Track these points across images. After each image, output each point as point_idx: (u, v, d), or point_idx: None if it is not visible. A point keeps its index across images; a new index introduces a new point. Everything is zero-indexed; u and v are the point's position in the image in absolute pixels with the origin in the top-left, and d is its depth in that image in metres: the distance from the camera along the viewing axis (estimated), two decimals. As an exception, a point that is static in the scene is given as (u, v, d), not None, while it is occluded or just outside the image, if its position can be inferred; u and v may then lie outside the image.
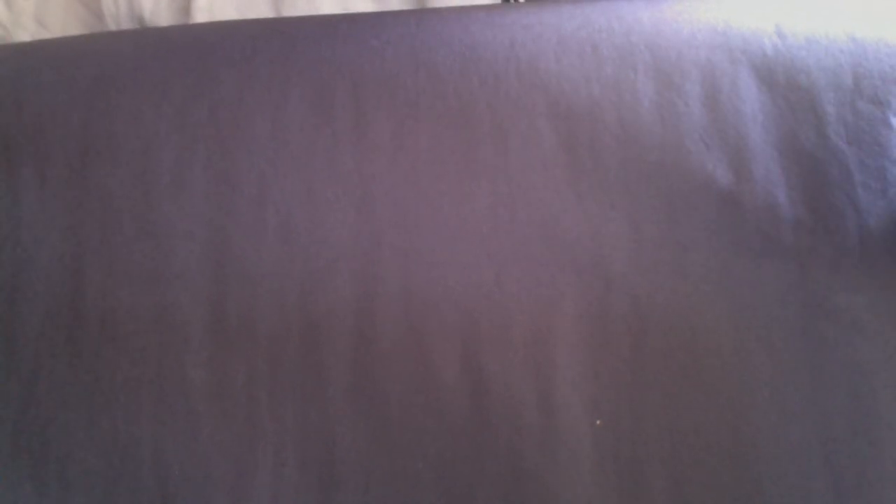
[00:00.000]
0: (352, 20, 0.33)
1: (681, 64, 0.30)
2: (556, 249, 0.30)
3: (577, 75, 0.30)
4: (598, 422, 0.29)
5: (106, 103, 0.33)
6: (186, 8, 0.38)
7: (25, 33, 0.38)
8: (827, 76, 0.31)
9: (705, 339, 0.29)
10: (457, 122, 0.30)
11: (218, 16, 0.38)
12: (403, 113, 0.31)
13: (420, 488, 0.29)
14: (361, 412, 0.30)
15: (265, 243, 0.30)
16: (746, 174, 0.30)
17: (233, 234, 0.31)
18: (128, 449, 0.30)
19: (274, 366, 0.30)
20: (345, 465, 0.29)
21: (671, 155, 0.30)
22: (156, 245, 0.31)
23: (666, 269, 0.29)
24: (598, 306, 0.29)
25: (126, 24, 0.39)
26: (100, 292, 0.31)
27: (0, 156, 0.33)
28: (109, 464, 0.29)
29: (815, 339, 0.30)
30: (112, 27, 0.39)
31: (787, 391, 0.30)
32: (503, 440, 0.30)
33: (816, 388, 0.30)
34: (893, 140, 0.31)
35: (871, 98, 0.31)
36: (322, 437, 0.30)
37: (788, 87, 0.31)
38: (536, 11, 0.32)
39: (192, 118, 0.32)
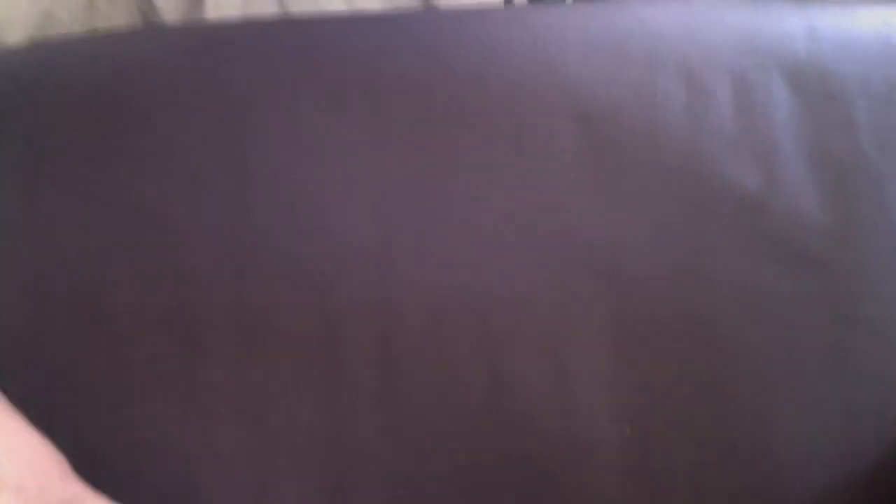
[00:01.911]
0: (366, 20, 0.33)
1: (711, 69, 0.30)
2: (574, 253, 0.29)
3: (602, 77, 0.30)
4: (627, 430, 0.28)
5: (123, 102, 0.33)
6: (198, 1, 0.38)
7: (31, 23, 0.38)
8: (859, 83, 0.30)
9: (727, 346, 0.29)
10: (473, 122, 0.30)
11: (225, 9, 0.37)
12: (418, 113, 0.30)
13: (440, 491, 0.29)
14: (382, 413, 0.30)
15: (282, 242, 0.30)
16: (775, 181, 0.30)
17: (249, 233, 0.30)
18: (150, 449, 0.30)
19: (294, 366, 0.30)
20: (366, 467, 0.29)
21: (697, 161, 0.29)
22: (175, 243, 0.31)
23: (688, 274, 0.29)
24: (618, 311, 0.29)
25: (138, 14, 0.39)
26: (121, 290, 0.31)
27: (22, 153, 0.33)
28: (132, 463, 0.29)
29: (838, 349, 0.29)
30: (125, 15, 0.39)
31: (810, 400, 0.29)
32: (523, 444, 0.30)
33: (839, 398, 0.30)
34: None
35: None
36: (343, 439, 0.30)
37: (820, 94, 0.30)
38: (560, 12, 0.32)
39: (207, 116, 0.32)
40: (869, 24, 0.32)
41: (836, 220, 0.30)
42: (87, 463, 0.28)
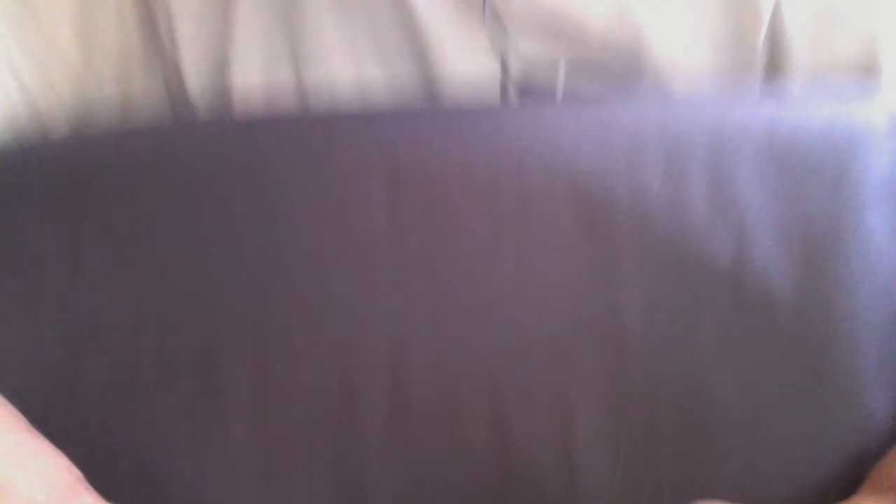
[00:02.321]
0: (381, 115, 0.37)
1: (686, 157, 0.34)
2: (576, 318, 0.33)
3: (594, 165, 0.34)
4: (621, 456, 0.31)
5: (159, 190, 0.36)
6: (223, 72, 0.41)
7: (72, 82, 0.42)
8: (813, 168, 0.35)
9: (717, 401, 0.32)
10: (485, 206, 0.34)
11: (248, 77, 0.41)
12: (435, 199, 0.34)
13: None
14: (393, 467, 0.32)
15: (308, 309, 0.33)
16: (746, 255, 0.34)
17: (278, 300, 0.33)
18: (172, 500, 0.32)
19: (311, 422, 0.33)
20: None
21: (678, 237, 0.33)
22: (207, 307, 0.34)
23: (678, 335, 0.33)
24: (617, 370, 0.33)
25: (177, 94, 0.42)
26: (151, 356, 0.34)
27: (64, 235, 0.36)
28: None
29: (816, 406, 0.33)
30: (158, 96, 0.43)
31: (793, 457, 0.33)
32: (528, 498, 0.32)
33: (818, 454, 0.33)
34: (872, 231, 0.35)
35: (852, 192, 0.35)
36: (355, 491, 0.32)
37: (781, 175, 0.35)
38: (556, 110, 0.36)
39: (238, 204, 0.35)
40: (819, 117, 0.37)
41: (805, 289, 0.34)
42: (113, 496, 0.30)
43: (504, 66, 0.39)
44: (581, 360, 0.32)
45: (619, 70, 0.40)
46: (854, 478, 0.33)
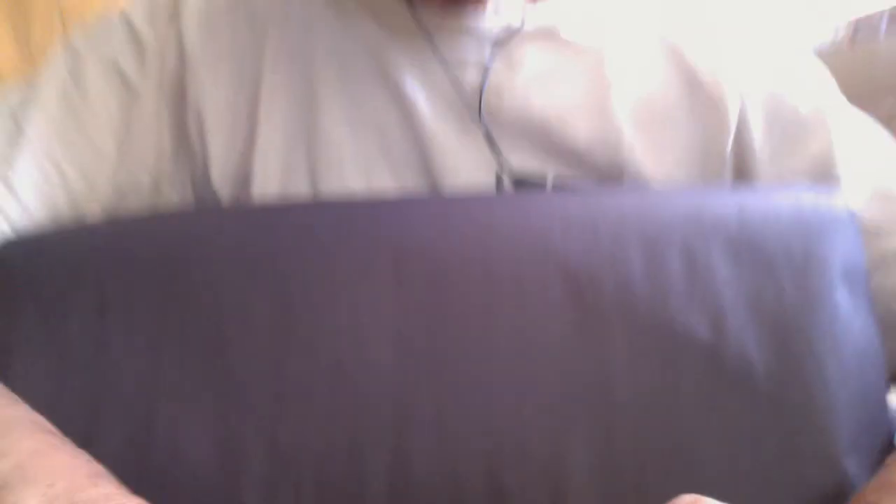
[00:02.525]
0: (388, 203, 0.41)
1: (664, 241, 0.37)
2: (567, 384, 0.35)
3: (580, 249, 0.37)
4: None
5: (183, 268, 0.39)
6: (245, 181, 0.45)
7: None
8: (782, 253, 0.38)
9: (699, 465, 0.34)
10: (481, 283, 0.37)
11: (269, 185, 0.45)
12: (436, 276, 0.37)
13: None
14: None
15: (318, 379, 0.36)
16: (722, 330, 0.36)
17: (290, 371, 0.36)
18: None
19: (320, 481, 0.34)
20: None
21: (660, 313, 0.36)
22: (223, 378, 0.36)
23: (662, 404, 0.35)
24: (605, 431, 0.35)
25: (201, 185, 0.46)
26: (170, 420, 0.36)
27: (93, 309, 0.39)
28: None
29: (794, 471, 0.35)
30: (184, 196, 0.47)
31: None
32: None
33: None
34: (839, 308, 0.38)
35: (818, 274, 0.38)
36: None
37: (751, 260, 0.38)
38: (545, 199, 0.40)
39: (256, 280, 0.38)
40: (786, 203, 0.41)
41: (776, 362, 0.37)
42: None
43: (498, 177, 0.43)
44: (573, 427, 0.35)
45: (601, 179, 0.44)
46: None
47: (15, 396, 0.35)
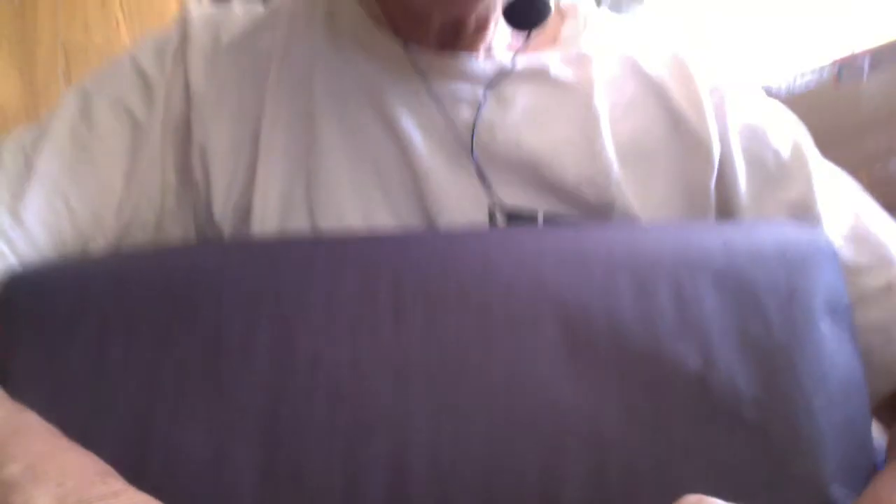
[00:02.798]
0: (385, 238, 0.42)
1: (653, 276, 0.39)
2: (559, 418, 0.36)
3: (573, 284, 0.39)
4: None
5: (185, 299, 0.40)
6: (246, 216, 0.46)
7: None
8: (767, 286, 0.40)
9: (690, 490, 0.35)
10: (477, 317, 0.38)
11: (268, 219, 0.46)
12: (434, 307, 0.38)
13: None
14: None
15: (316, 403, 0.36)
16: (711, 360, 0.37)
17: (288, 395, 0.37)
18: None
19: None
20: None
21: (650, 346, 0.37)
22: (220, 400, 0.37)
23: (652, 436, 0.36)
24: (597, 466, 0.36)
25: (204, 218, 0.47)
26: (164, 440, 0.36)
27: (96, 337, 0.39)
28: None
29: (781, 501, 0.36)
30: (187, 232, 0.48)
31: None
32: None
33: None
34: (824, 339, 0.39)
35: (803, 306, 0.39)
36: None
37: (738, 293, 0.39)
38: (539, 234, 0.41)
39: (260, 305, 0.39)
40: (770, 238, 0.42)
41: (764, 392, 0.38)
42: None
43: (491, 212, 0.45)
44: (565, 458, 0.35)
45: (591, 214, 0.46)
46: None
47: (22, 406, 0.35)
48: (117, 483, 0.31)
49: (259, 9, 0.53)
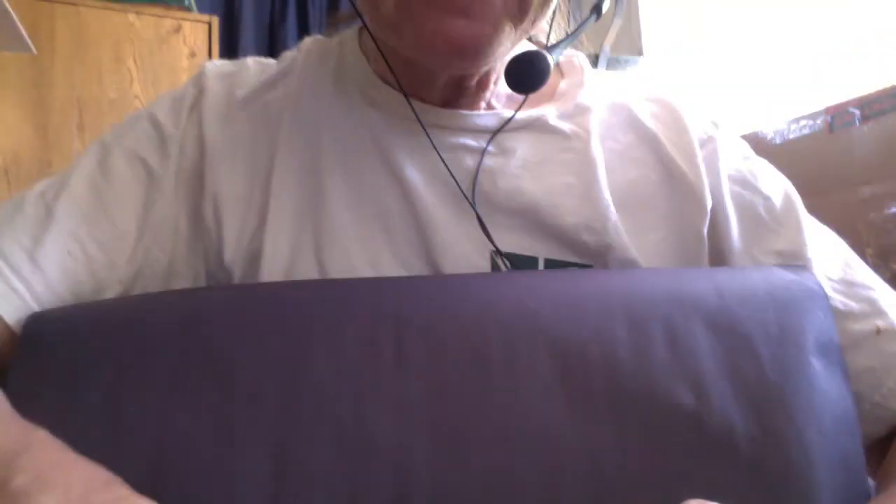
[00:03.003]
0: (390, 282, 0.43)
1: (647, 317, 0.40)
2: (557, 453, 0.37)
3: (569, 324, 0.40)
4: None
5: (196, 340, 0.41)
6: (255, 261, 0.48)
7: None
8: (758, 327, 0.41)
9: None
10: (476, 356, 0.39)
11: (277, 264, 0.48)
12: (435, 347, 0.39)
13: None
14: None
15: (322, 448, 0.37)
16: (705, 400, 0.39)
17: (295, 440, 0.38)
18: None
19: None
20: None
21: (645, 385, 0.39)
22: (230, 440, 0.38)
23: (648, 471, 0.37)
24: (595, 499, 0.36)
25: (214, 263, 0.49)
26: (176, 478, 0.37)
27: (112, 379, 0.41)
28: None
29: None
30: (197, 277, 0.50)
31: None
32: None
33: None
34: (816, 376, 0.40)
35: (794, 345, 0.40)
36: None
37: (730, 334, 0.41)
38: (537, 277, 0.43)
39: (268, 349, 0.40)
40: (760, 281, 0.44)
41: (758, 429, 0.39)
42: None
43: (493, 257, 0.47)
44: (563, 492, 0.36)
45: (588, 258, 0.47)
46: None
47: (34, 425, 0.37)
48: (122, 489, 0.33)
49: (272, 64, 0.56)
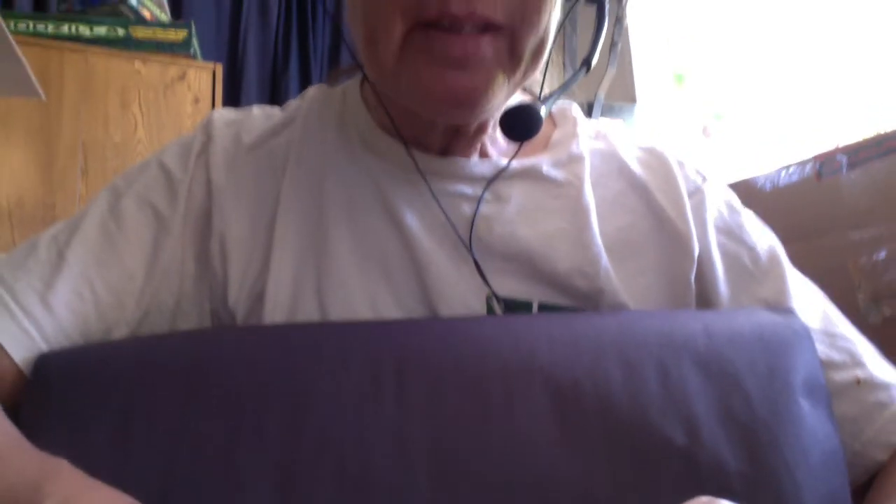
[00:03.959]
0: (390, 324, 0.45)
1: (639, 356, 0.41)
2: (552, 484, 0.38)
3: (564, 363, 0.41)
4: None
5: (201, 379, 0.43)
6: (259, 301, 0.50)
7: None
8: (747, 366, 0.42)
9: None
10: (475, 393, 0.41)
11: (280, 305, 0.49)
12: (434, 385, 0.41)
13: None
14: None
15: (323, 482, 0.38)
16: (697, 438, 0.40)
17: (297, 475, 0.39)
18: None
19: None
20: None
21: (638, 422, 0.40)
22: (235, 478, 0.39)
23: (641, 501, 0.37)
24: None
25: (219, 303, 0.50)
26: None
27: (119, 419, 0.41)
28: None
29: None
30: (203, 316, 0.51)
31: None
32: None
33: None
34: (804, 415, 0.42)
35: (782, 384, 0.42)
36: None
37: (720, 373, 0.42)
38: (533, 320, 0.44)
39: (272, 388, 0.41)
40: (748, 323, 0.45)
41: (749, 466, 0.40)
42: None
43: (489, 301, 0.48)
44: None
45: (581, 301, 0.49)
46: None
47: (54, 456, 0.38)
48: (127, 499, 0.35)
49: (277, 112, 0.58)
